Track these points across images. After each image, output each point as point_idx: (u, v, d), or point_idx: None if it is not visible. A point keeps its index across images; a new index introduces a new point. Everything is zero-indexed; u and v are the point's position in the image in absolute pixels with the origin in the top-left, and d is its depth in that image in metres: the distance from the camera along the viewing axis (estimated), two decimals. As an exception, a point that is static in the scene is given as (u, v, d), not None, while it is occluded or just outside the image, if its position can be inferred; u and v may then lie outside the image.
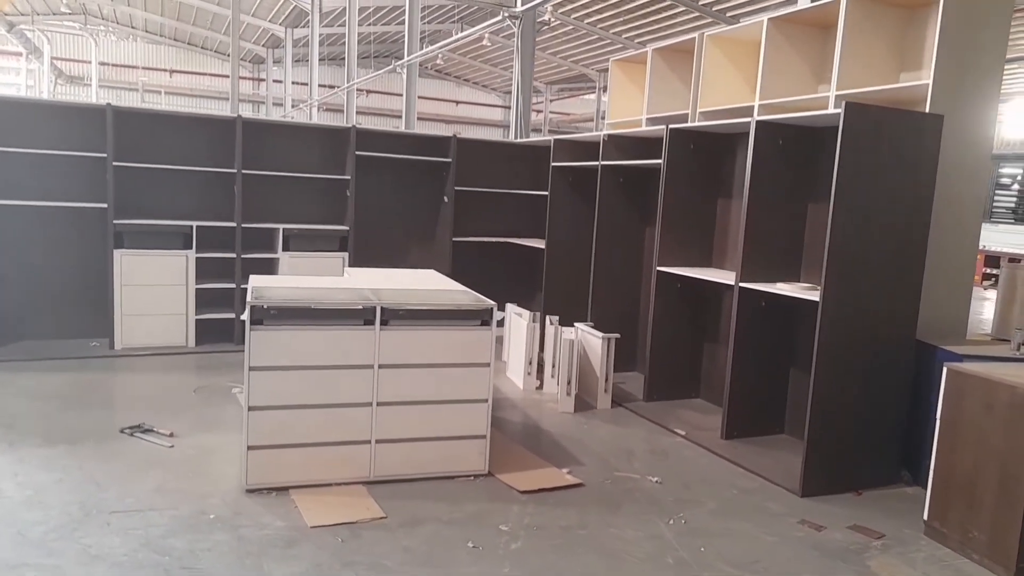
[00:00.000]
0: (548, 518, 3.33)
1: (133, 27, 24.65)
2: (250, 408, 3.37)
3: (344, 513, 3.24)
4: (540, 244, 6.92)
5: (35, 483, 3.38)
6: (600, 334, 5.04)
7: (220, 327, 6.28)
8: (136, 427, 4.13)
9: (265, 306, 3.35)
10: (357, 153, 6.56)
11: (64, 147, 5.85)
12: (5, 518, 3.04)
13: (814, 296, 3.79)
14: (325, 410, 3.49)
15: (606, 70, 23.26)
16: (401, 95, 26.60)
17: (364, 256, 6.76)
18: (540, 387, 5.40)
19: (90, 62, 23.68)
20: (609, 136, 5.78)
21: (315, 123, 6.70)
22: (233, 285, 6.24)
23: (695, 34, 5.66)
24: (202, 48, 26.61)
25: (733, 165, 5.14)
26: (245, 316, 3.33)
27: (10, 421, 4.18)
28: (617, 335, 5.08)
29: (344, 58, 24.25)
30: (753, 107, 4.96)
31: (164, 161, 6.21)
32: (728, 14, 15.04)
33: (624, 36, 18.50)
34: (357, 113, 18.76)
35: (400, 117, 17.44)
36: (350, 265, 6.56)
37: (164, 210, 6.32)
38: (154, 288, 5.93)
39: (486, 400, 3.70)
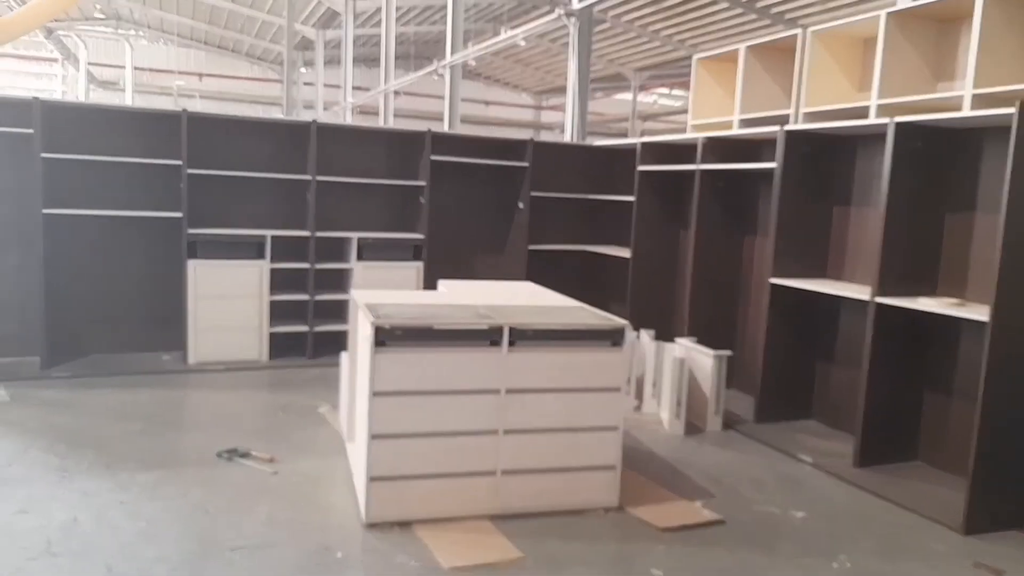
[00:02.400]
0: (700, 560, 3.02)
1: (164, 31, 24.72)
2: (372, 436, 3.11)
3: (479, 553, 2.96)
4: (619, 252, 6.62)
5: (144, 513, 3.15)
6: (710, 351, 4.72)
7: (293, 341, 6.05)
8: (233, 451, 3.89)
9: (389, 326, 3.09)
10: (432, 158, 6.30)
11: (133, 154, 5.65)
12: (125, 554, 2.80)
13: (975, 315, 3.46)
14: (450, 438, 3.22)
15: (642, 69, 22.84)
16: (432, 97, 26.50)
17: (437, 266, 6.50)
18: (639, 407, 5.09)
19: (124, 67, 23.76)
20: (708, 139, 5.47)
21: (388, 127, 6.50)
22: (307, 297, 6.00)
23: (796, 30, 5.35)
24: (233, 51, 26.64)
25: (851, 169, 4.80)
26: (367, 337, 3.07)
27: (100, 443, 3.96)
28: (729, 352, 4.76)
29: (373, 60, 24.15)
30: (869, 107, 4.63)
31: (235, 168, 6.00)
32: (772, 10, 14.64)
33: (663, 34, 18.12)
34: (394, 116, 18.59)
35: (434, 120, 17.26)
36: (425, 275, 6.31)
37: (235, 219, 6.11)
38: (228, 300, 5.71)
39: (617, 428, 3.41)
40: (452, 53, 13.48)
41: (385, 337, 3.09)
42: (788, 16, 14.71)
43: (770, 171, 5.26)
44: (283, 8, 20.93)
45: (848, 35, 5.09)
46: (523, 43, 17.10)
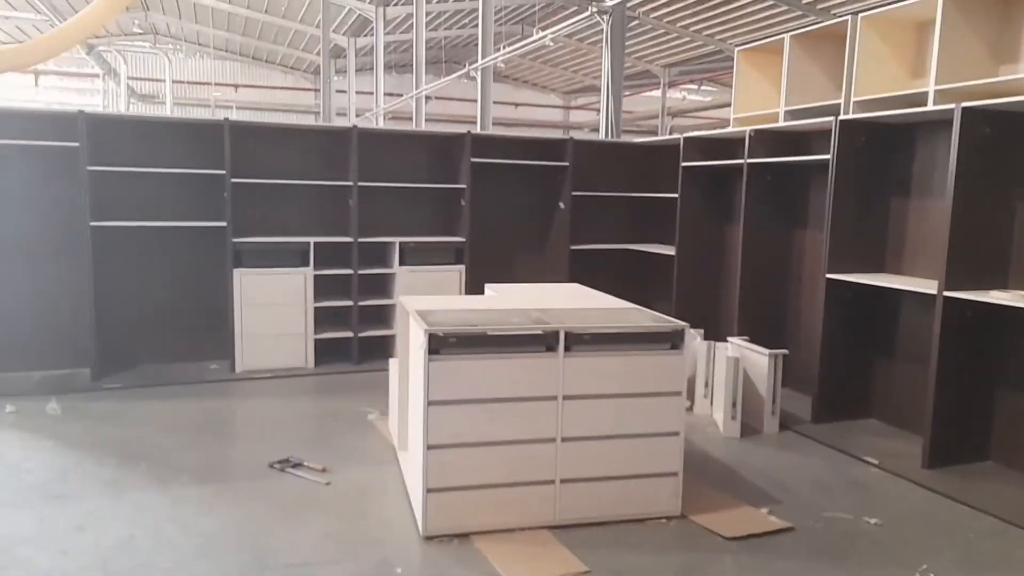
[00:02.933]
0: (771, 572, 2.89)
1: (200, 44, 25.09)
2: (429, 447, 3.04)
3: (544, 567, 2.87)
4: (661, 250, 6.49)
5: (199, 529, 3.11)
6: (765, 350, 4.57)
7: (337, 347, 6.03)
8: (285, 461, 3.86)
9: (442, 334, 3.01)
10: (472, 160, 6.23)
11: (177, 165, 5.68)
12: (182, 572, 2.76)
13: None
14: (507, 447, 3.13)
15: (671, 65, 22.57)
16: (462, 100, 26.48)
17: (478, 268, 6.43)
18: (690, 408, 4.96)
19: (163, 80, 24.16)
20: (756, 131, 5.31)
21: (427, 130, 6.43)
22: (350, 303, 5.97)
23: (846, 17, 5.16)
24: (267, 62, 26.94)
25: (910, 159, 4.62)
26: (421, 345, 3.00)
27: (152, 455, 3.95)
28: (785, 351, 4.61)
29: (404, 65, 24.22)
30: (927, 93, 4.44)
31: (277, 176, 6.00)
32: (803, 1, 14.30)
33: (691, 29, 17.86)
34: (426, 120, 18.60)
35: (465, 123, 17.19)
36: (467, 278, 6.24)
37: (278, 226, 6.11)
38: (273, 308, 5.70)
39: (678, 433, 3.29)
40: (483, 56, 13.44)
41: (439, 345, 3.01)
42: (820, 6, 14.38)
43: (822, 163, 5.10)
44: (315, 18, 21.11)
45: (900, 19, 4.90)
46: (551, 43, 17.04)
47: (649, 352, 3.24)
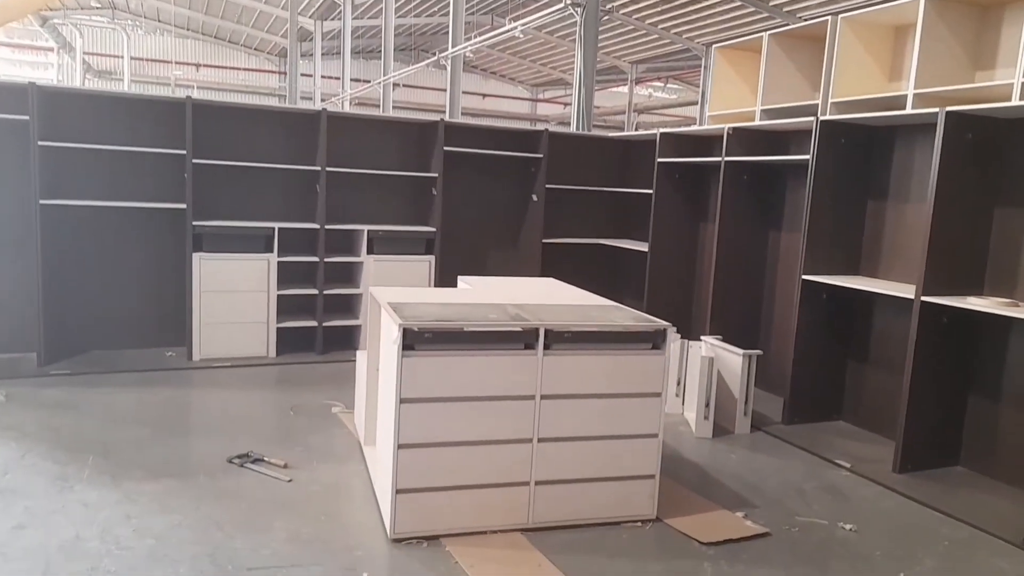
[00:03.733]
0: (750, 579, 2.83)
1: (160, 21, 24.36)
2: (400, 446, 2.90)
3: (516, 571, 2.76)
4: (635, 246, 6.42)
5: (153, 530, 2.93)
6: (739, 351, 4.52)
7: (300, 336, 5.84)
8: (245, 456, 3.68)
9: (418, 328, 2.87)
10: (445, 149, 6.07)
11: (136, 143, 5.42)
12: (131, 579, 2.59)
13: (1035, 316, 3.26)
14: (481, 447, 3.01)
15: (639, 62, 22.60)
16: (429, 89, 26.15)
17: (449, 259, 6.29)
18: (663, 407, 4.88)
19: (121, 56, 23.39)
20: (735, 130, 5.25)
21: (400, 117, 6.23)
22: (315, 291, 5.78)
23: (826, 18, 5.14)
24: (230, 42, 26.28)
25: (888, 162, 4.60)
26: (394, 340, 2.85)
27: (103, 448, 3.74)
28: (759, 352, 4.57)
29: (371, 51, 23.85)
30: (905, 96, 4.43)
31: (241, 158, 5.77)
32: (771, 3, 14.39)
33: (660, 27, 17.88)
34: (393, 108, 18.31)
35: (431, 112, 16.94)
36: (437, 270, 6.09)
37: (241, 211, 5.88)
38: (234, 294, 5.49)
39: (656, 435, 3.21)
40: (454, 44, 13.24)
41: (413, 340, 2.87)
42: (786, 8, 14.49)
43: (798, 163, 5.07)
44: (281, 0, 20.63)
45: (879, 22, 4.89)
46: (521, 35, 16.92)
47: (630, 352, 3.14)
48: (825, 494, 3.70)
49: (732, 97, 6.18)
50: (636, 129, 24.26)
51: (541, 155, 6.45)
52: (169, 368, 5.28)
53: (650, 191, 6.19)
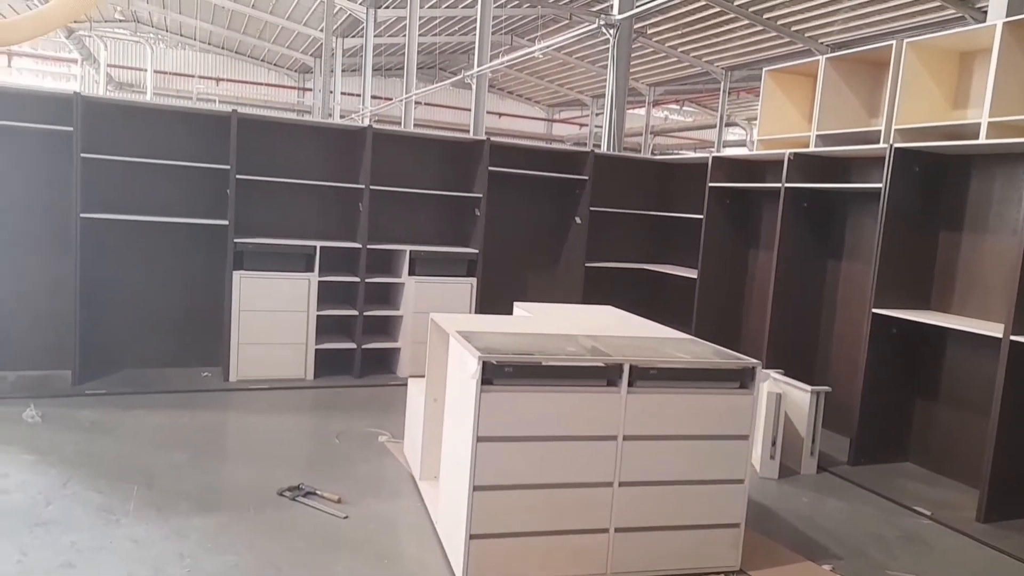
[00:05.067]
0: (852, 642, 2.61)
1: (183, 35, 24.49)
2: (475, 488, 2.71)
3: (601, 630, 2.56)
4: (682, 272, 6.23)
5: (207, 569, 2.75)
6: (806, 387, 4.32)
7: (338, 358, 5.66)
8: (296, 489, 3.49)
9: (497, 362, 2.69)
10: (490, 168, 5.92)
11: (178, 157, 5.29)
12: (190, 629, 2.40)
13: None
14: (559, 491, 2.81)
15: (656, 84, 22.49)
16: (447, 107, 26.13)
17: (489, 282, 6.11)
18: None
19: (144, 69, 23.49)
20: (796, 155, 5.07)
21: (444, 135, 6.10)
22: (355, 312, 5.61)
23: (890, 42, 4.99)
24: (250, 56, 26.38)
25: (963, 192, 4.41)
26: (473, 374, 2.67)
27: (146, 477, 3.56)
28: (827, 388, 4.36)
29: (390, 68, 23.85)
30: (978, 124, 4.26)
31: (281, 174, 5.63)
32: (793, 28, 14.28)
33: (679, 50, 17.82)
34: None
35: (448, 130, 16.83)
36: (479, 292, 5.91)
37: (281, 228, 5.74)
38: (274, 314, 5.32)
39: (743, 480, 3.01)
40: (479, 63, 13.16)
41: (492, 374, 2.69)
42: (808, 34, 14.39)
43: (860, 191, 4.91)
44: (302, 15, 20.68)
45: (945, 47, 4.73)
46: (540, 56, 16.87)
47: (716, 391, 2.95)
48: (908, 544, 3.48)
49: (783, 122, 6.02)
50: (652, 152, 24.15)
51: (586, 176, 6.29)
52: (206, 389, 5.11)
53: (697, 215, 6.03)
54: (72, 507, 3.19)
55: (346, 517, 3.29)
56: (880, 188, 4.39)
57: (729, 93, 18.48)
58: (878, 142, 4.89)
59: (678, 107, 25.14)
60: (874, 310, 4.38)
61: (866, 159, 4.93)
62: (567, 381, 2.80)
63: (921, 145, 4.33)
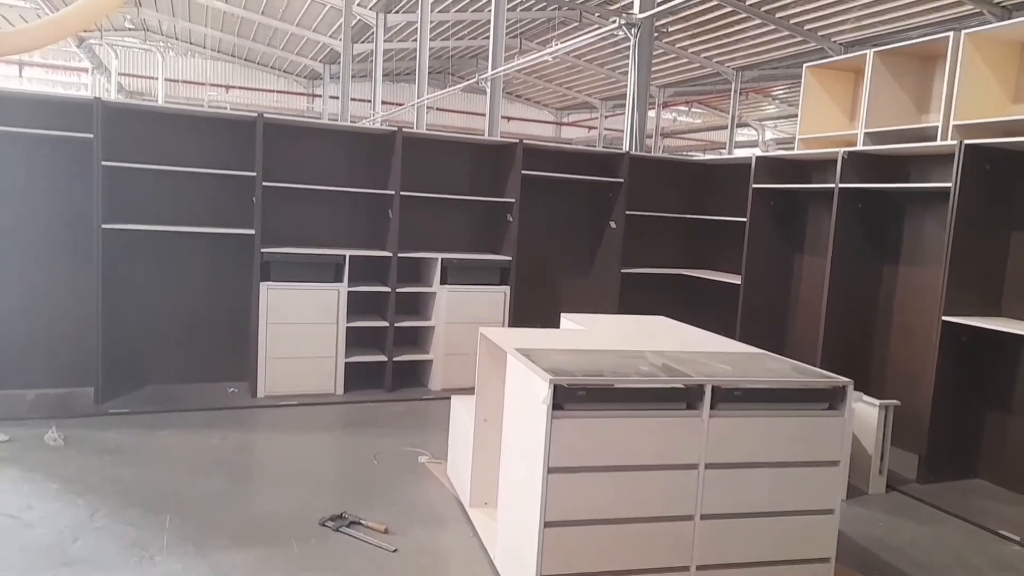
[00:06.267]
0: None
1: (192, 43, 24.37)
2: (546, 524, 2.46)
3: None
4: (724, 278, 5.98)
5: (253, 618, 2.51)
6: (874, 400, 4.06)
7: (367, 371, 5.42)
8: (339, 519, 3.25)
9: (568, 385, 2.45)
10: (523, 172, 5.68)
11: (202, 164, 5.06)
12: None
13: None
14: (636, 526, 2.56)
15: (666, 86, 22.15)
16: (456, 112, 25.90)
17: (522, 290, 5.87)
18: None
19: (155, 78, 23.38)
20: (850, 154, 4.81)
21: (475, 138, 5.87)
22: (385, 324, 5.38)
23: (947, 34, 4.73)
24: (259, 64, 26.25)
25: (1038, 192, 4.14)
26: (544, 399, 2.43)
27: (178, 506, 3.33)
28: (897, 402, 4.10)
29: (399, 73, 23.65)
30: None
31: (308, 181, 5.40)
32: (806, 27, 13.97)
33: (690, 51, 17.54)
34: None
35: (464, 134, 16.64)
36: (513, 301, 5.67)
37: (308, 237, 5.51)
38: (302, 326, 5.09)
39: (833, 511, 2.75)
40: (493, 66, 12.94)
41: (563, 398, 2.45)
42: (821, 33, 14.09)
43: (921, 191, 4.65)
44: (312, 22, 20.51)
45: (1005, 39, 4.48)
46: (550, 59, 16.62)
47: (805, 413, 2.70)
48: (1002, 573, 3.21)
49: (826, 120, 5.77)
50: (662, 152, 23.84)
51: (621, 179, 6.04)
52: (233, 407, 4.88)
53: (737, 218, 5.77)
54: (102, 543, 2.96)
55: (395, 550, 3.05)
56: (949, 188, 4.12)
57: (739, 94, 18.20)
58: (935, 139, 4.64)
59: (687, 108, 24.87)
60: (944, 318, 4.12)
61: (926, 157, 4.66)
62: (643, 405, 2.56)
63: (993, 141, 4.07)
